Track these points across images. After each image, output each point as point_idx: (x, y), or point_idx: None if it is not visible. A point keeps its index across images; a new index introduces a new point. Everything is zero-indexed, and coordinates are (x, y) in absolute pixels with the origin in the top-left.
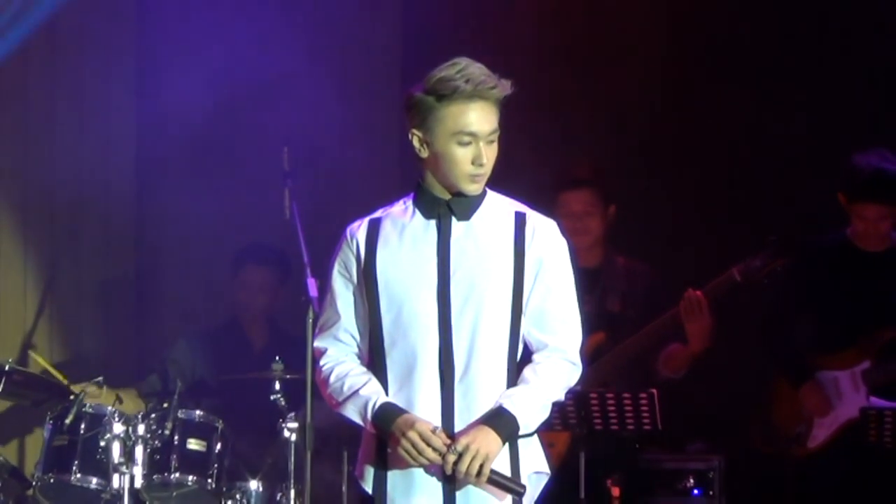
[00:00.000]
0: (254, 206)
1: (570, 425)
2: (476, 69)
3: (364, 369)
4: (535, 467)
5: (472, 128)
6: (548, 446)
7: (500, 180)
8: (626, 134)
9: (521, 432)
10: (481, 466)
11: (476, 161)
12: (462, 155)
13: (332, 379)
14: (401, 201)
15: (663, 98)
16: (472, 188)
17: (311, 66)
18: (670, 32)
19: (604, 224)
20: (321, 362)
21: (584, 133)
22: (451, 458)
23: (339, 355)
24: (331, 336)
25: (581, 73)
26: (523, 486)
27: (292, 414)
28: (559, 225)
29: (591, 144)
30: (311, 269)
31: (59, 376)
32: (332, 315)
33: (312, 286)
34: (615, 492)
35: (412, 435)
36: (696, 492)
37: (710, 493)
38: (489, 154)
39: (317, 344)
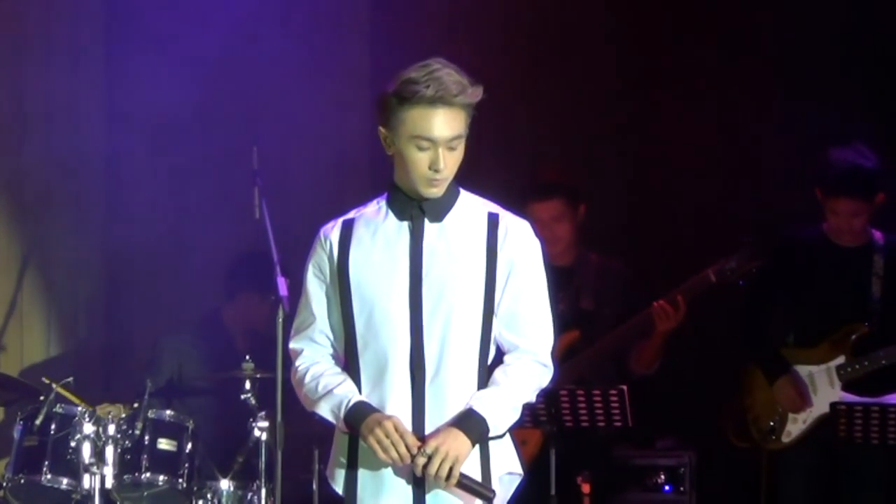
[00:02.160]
0: (223, 204)
1: (540, 423)
2: (444, 74)
3: (339, 370)
4: (508, 468)
5: (430, 133)
6: (520, 444)
7: (469, 179)
8: (598, 130)
9: (490, 434)
10: (451, 469)
11: (433, 166)
12: (419, 158)
13: (307, 379)
14: (374, 201)
15: (635, 94)
16: (430, 192)
17: (281, 65)
18: (640, 28)
19: (574, 226)
20: (297, 363)
21: (554, 132)
22: (421, 460)
23: (314, 356)
24: (306, 337)
25: (551, 72)
26: (493, 491)
27: (262, 413)
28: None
29: (561, 143)
30: (280, 268)
31: (76, 399)
32: (307, 317)
33: (282, 285)
34: (586, 488)
35: (387, 425)
36: (666, 488)
37: (681, 489)
38: (448, 160)
39: (292, 345)
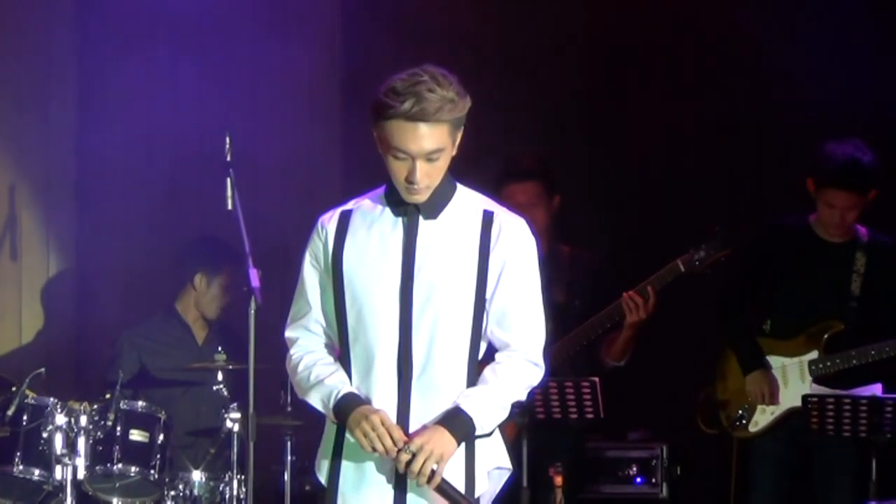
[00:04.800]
0: (193, 196)
1: (512, 415)
2: (425, 90)
3: (332, 360)
4: (496, 463)
5: (406, 147)
6: None
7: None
8: (568, 124)
9: (477, 433)
10: (433, 472)
11: (408, 178)
12: (398, 168)
13: (300, 368)
14: (374, 192)
15: (604, 85)
16: (410, 198)
17: (255, 56)
18: (609, 19)
19: (548, 215)
20: (291, 351)
21: (526, 124)
22: (404, 457)
23: (308, 345)
24: (301, 326)
25: (520, 67)
26: (471, 502)
27: (234, 405)
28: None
29: (533, 134)
30: (252, 260)
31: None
32: (303, 306)
33: (254, 276)
34: (558, 480)
35: (374, 418)
36: (638, 480)
37: (653, 480)
38: (428, 171)
39: (288, 333)
